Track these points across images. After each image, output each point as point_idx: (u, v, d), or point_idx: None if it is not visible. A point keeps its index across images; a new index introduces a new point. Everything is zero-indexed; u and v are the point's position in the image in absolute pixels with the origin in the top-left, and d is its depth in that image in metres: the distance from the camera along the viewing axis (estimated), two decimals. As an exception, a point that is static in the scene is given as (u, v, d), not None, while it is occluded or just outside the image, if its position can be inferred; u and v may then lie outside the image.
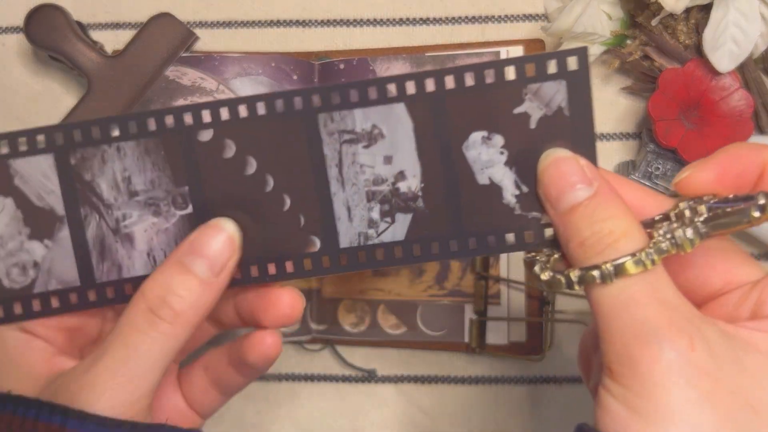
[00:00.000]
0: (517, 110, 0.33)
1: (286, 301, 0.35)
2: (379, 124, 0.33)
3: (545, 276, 0.31)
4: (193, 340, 0.36)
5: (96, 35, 0.57)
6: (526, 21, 0.56)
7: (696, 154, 0.49)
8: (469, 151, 0.33)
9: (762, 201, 0.29)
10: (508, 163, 0.33)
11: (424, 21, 0.56)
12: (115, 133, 0.34)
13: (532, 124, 0.33)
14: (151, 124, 0.34)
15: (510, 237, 0.33)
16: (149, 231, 0.35)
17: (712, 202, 0.30)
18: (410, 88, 0.33)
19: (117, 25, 0.58)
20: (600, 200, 0.30)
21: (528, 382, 0.53)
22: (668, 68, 0.50)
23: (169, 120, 0.34)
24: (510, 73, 0.32)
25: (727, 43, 0.48)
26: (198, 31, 0.56)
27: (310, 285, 0.54)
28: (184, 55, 0.55)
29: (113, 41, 0.57)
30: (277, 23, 0.57)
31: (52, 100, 0.57)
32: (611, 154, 0.54)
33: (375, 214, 0.34)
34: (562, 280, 0.30)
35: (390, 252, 0.34)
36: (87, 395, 0.31)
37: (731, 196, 0.30)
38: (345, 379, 0.54)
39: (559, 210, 0.31)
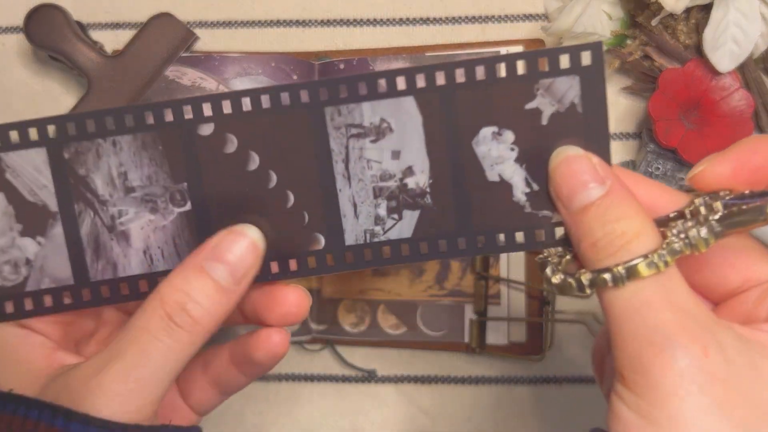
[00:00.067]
0: (529, 106, 0.31)
1: (292, 300, 0.34)
2: (388, 118, 0.31)
3: (556, 279, 0.29)
4: None
5: (96, 35, 0.56)
6: (526, 21, 0.55)
7: (696, 154, 0.48)
8: (479, 147, 0.31)
9: None
10: (519, 160, 0.31)
11: (424, 21, 0.55)
12: (111, 126, 0.32)
13: (544, 120, 0.31)
14: (149, 118, 0.32)
15: (519, 236, 0.32)
16: (146, 228, 0.33)
17: (727, 198, 0.29)
18: (420, 81, 0.31)
19: (117, 25, 0.56)
20: (612, 199, 0.28)
21: (528, 382, 0.52)
22: (668, 68, 0.50)
23: (168, 113, 0.32)
24: (522, 67, 0.30)
25: (727, 43, 0.48)
26: (198, 31, 0.55)
27: (310, 285, 0.52)
28: (184, 55, 0.54)
29: (113, 41, 0.56)
30: (277, 23, 0.56)
31: (52, 100, 0.56)
32: (611, 154, 0.53)
33: (382, 211, 0.32)
34: (573, 284, 0.29)
35: (397, 249, 0.32)
36: (95, 399, 0.29)
37: (747, 192, 0.29)
38: (345, 379, 0.53)
39: (570, 209, 0.29)
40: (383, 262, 0.32)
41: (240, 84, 0.52)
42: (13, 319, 0.33)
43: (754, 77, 0.49)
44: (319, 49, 0.55)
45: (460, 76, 0.31)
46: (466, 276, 0.51)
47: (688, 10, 0.49)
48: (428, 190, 0.32)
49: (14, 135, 0.32)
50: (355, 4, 0.56)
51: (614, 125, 0.53)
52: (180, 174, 0.32)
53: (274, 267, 0.33)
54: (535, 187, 0.31)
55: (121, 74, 0.52)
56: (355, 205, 0.32)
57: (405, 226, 0.32)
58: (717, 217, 0.28)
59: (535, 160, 0.31)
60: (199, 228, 0.32)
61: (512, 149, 0.31)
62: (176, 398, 0.36)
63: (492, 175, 0.31)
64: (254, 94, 0.31)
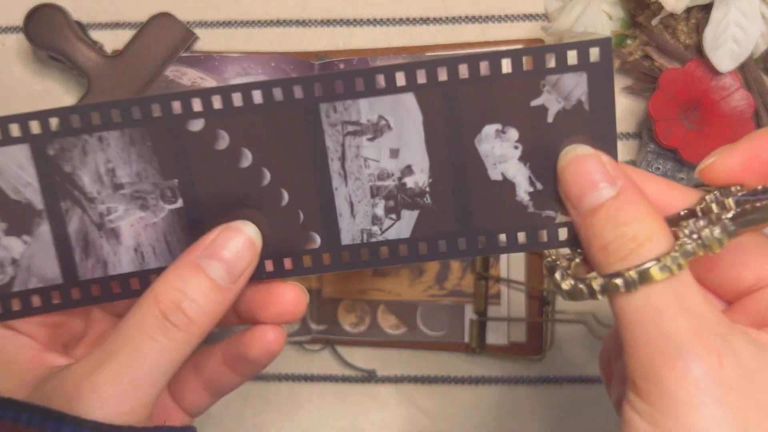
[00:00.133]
0: (534, 103, 0.29)
1: (289, 298, 0.32)
2: (386, 115, 0.29)
3: (566, 285, 0.27)
4: None
5: (96, 35, 0.54)
6: (526, 21, 0.53)
7: (696, 154, 0.47)
8: (481, 145, 0.29)
9: None
10: (523, 159, 0.29)
11: (424, 21, 0.53)
12: (97, 121, 0.29)
13: (550, 118, 0.29)
14: (136, 113, 0.29)
15: (522, 236, 0.30)
16: (136, 226, 0.30)
17: (740, 194, 0.27)
18: (421, 77, 0.29)
19: (117, 25, 0.54)
20: (624, 201, 0.26)
21: (528, 382, 0.50)
22: (668, 68, 0.48)
23: (156, 108, 0.29)
24: (528, 63, 0.28)
25: (727, 43, 0.46)
26: (198, 31, 0.53)
27: (309, 285, 0.50)
28: (183, 54, 0.52)
29: (113, 41, 0.54)
30: (277, 23, 0.54)
31: (51, 100, 0.54)
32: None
33: (379, 211, 0.30)
34: (584, 290, 0.27)
35: (394, 250, 0.30)
36: (89, 401, 0.27)
37: (760, 187, 0.27)
38: (345, 379, 0.51)
39: (580, 210, 0.27)
40: (381, 263, 0.30)
41: (240, 84, 0.50)
42: (1, 320, 0.31)
43: (754, 77, 0.48)
44: (319, 49, 0.53)
45: (463, 71, 0.28)
46: (466, 276, 0.49)
47: (688, 10, 0.47)
48: (428, 189, 0.30)
49: None
50: (355, 4, 0.54)
51: (614, 125, 0.52)
52: (170, 170, 0.30)
53: (269, 265, 0.31)
54: (539, 186, 0.29)
55: (121, 74, 0.51)
56: (351, 205, 0.30)
57: (403, 226, 0.30)
58: (730, 215, 0.26)
59: (539, 158, 0.29)
60: (191, 225, 0.30)
61: (516, 147, 0.29)
62: (167, 399, 0.34)
63: (494, 174, 0.29)
64: (246, 89, 0.29)
